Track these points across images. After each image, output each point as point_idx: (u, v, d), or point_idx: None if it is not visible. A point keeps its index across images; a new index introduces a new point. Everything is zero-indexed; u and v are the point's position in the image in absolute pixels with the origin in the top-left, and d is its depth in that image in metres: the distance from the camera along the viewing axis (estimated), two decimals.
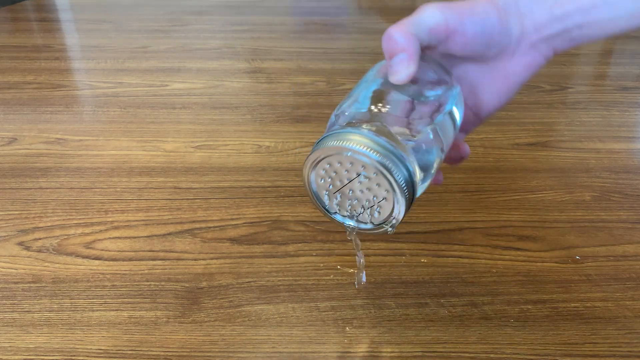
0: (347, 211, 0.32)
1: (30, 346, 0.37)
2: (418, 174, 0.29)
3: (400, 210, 0.30)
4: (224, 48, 0.99)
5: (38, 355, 0.37)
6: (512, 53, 0.32)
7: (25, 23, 1.15)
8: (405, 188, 0.28)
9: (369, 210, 0.31)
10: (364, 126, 0.29)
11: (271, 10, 1.25)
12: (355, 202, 0.31)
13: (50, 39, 1.05)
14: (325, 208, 0.33)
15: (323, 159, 0.30)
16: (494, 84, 0.34)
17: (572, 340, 0.38)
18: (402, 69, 0.30)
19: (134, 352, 0.37)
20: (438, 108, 0.31)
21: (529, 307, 0.41)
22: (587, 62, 0.93)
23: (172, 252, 0.46)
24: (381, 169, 0.28)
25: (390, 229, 0.31)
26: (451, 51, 0.32)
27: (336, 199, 0.32)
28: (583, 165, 0.60)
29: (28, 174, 0.57)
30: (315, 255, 0.46)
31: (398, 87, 0.31)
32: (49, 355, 0.37)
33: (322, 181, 0.32)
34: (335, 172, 0.31)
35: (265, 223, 0.50)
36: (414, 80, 0.31)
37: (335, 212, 0.33)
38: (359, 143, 0.28)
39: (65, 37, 1.09)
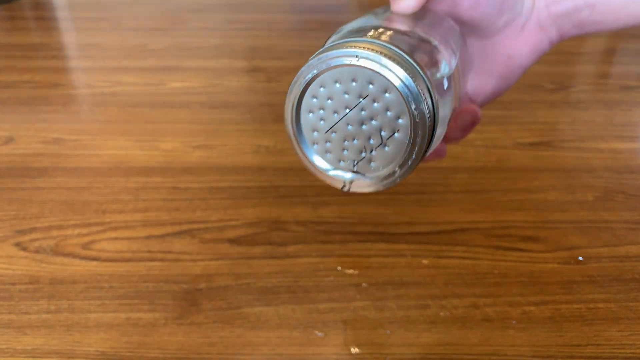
0: (342, 159, 0.25)
1: (28, 348, 0.37)
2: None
3: (418, 143, 0.23)
4: (222, 46, 0.98)
5: (35, 357, 0.36)
6: (520, 29, 0.31)
7: (22, 21, 1.15)
8: (427, 111, 0.22)
9: (373, 153, 0.24)
10: (370, 33, 0.23)
11: (271, 8, 1.24)
12: (354, 142, 0.24)
13: (47, 38, 1.04)
14: (312, 160, 0.26)
15: (316, 76, 0.23)
16: (496, 64, 0.32)
17: (574, 342, 0.38)
18: None
19: (132, 354, 0.37)
20: (454, 53, 0.26)
21: (532, 308, 0.41)
22: (589, 61, 0.93)
23: (170, 253, 0.46)
24: (396, 81, 0.22)
25: (398, 174, 0.24)
26: (459, 10, 0.29)
27: (328, 141, 0.25)
28: (586, 165, 0.60)
29: (25, 174, 0.57)
30: (315, 256, 0.46)
31: (404, 24, 0.26)
32: (47, 357, 0.36)
33: (312, 115, 0.25)
34: (331, 97, 0.24)
35: (264, 223, 0.50)
36: (419, 20, 0.26)
37: (325, 165, 0.26)
38: (366, 46, 0.22)
39: (63, 36, 1.09)
